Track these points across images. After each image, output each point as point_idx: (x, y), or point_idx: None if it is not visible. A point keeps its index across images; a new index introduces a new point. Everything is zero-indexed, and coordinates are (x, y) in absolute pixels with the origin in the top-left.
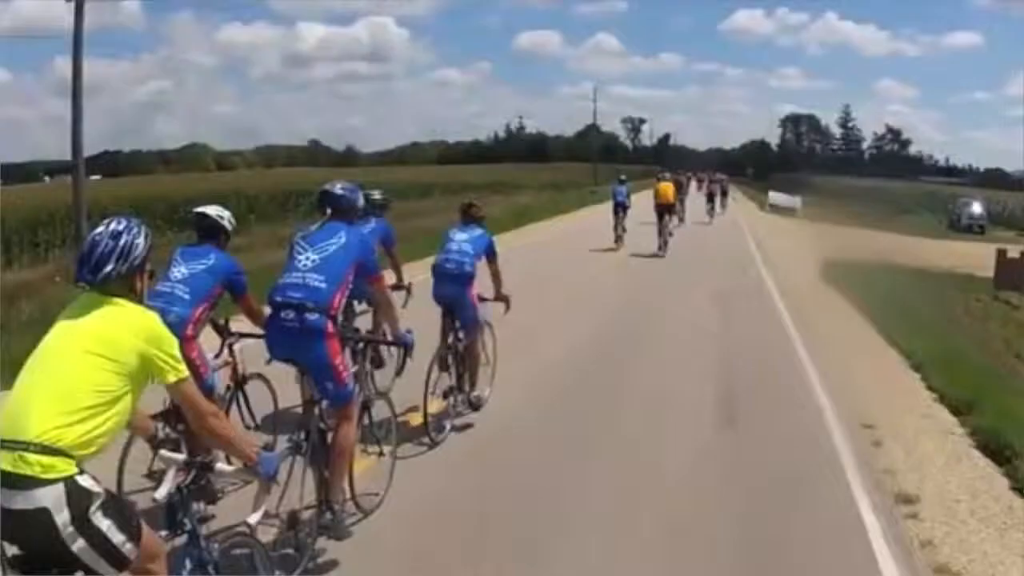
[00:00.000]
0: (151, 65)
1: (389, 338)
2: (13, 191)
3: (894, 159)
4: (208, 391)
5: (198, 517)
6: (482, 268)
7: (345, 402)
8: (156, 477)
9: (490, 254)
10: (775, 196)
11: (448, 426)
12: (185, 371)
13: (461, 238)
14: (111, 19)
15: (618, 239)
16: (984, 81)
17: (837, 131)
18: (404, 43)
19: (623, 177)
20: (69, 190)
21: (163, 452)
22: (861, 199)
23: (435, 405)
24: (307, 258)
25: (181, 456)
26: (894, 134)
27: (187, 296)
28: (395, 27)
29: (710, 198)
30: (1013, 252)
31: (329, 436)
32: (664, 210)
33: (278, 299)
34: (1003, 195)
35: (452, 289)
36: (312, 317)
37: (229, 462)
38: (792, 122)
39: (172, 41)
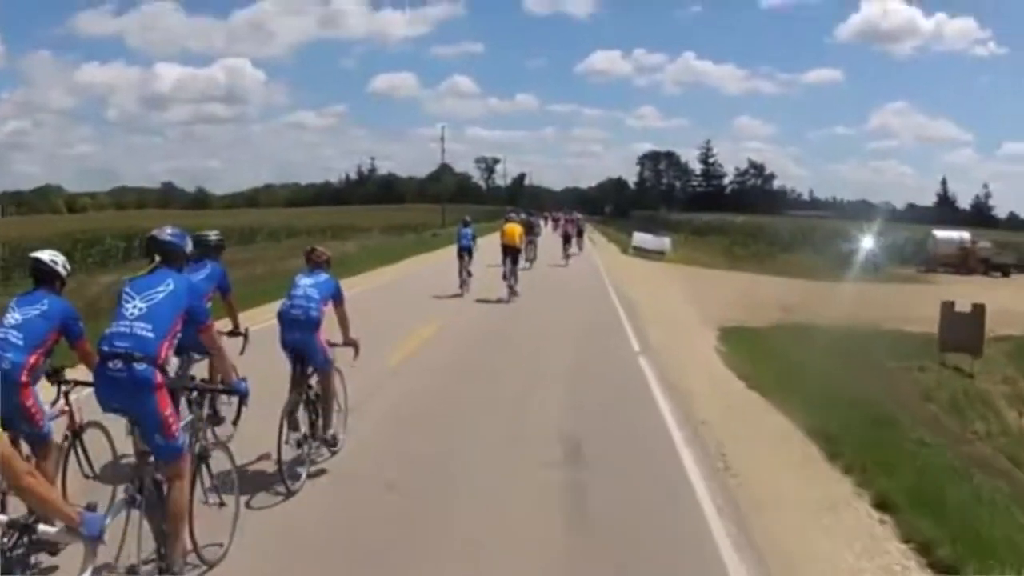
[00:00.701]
0: (9, 105)
1: (222, 387)
2: None
3: (758, 193)
4: (43, 439)
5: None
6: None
7: (175, 457)
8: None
9: (337, 298)
10: (640, 237)
11: (304, 474)
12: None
13: (307, 283)
14: None
15: (463, 284)
16: (844, 116)
17: (698, 167)
18: (260, 85)
19: (467, 219)
20: None
21: None
22: (732, 236)
23: (288, 454)
24: (134, 306)
25: (4, 517)
26: (757, 168)
27: (20, 342)
28: (251, 69)
29: (566, 239)
30: (962, 305)
31: (164, 488)
32: (511, 253)
33: (105, 348)
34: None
35: (300, 335)
36: (140, 367)
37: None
38: (651, 159)
39: (30, 80)
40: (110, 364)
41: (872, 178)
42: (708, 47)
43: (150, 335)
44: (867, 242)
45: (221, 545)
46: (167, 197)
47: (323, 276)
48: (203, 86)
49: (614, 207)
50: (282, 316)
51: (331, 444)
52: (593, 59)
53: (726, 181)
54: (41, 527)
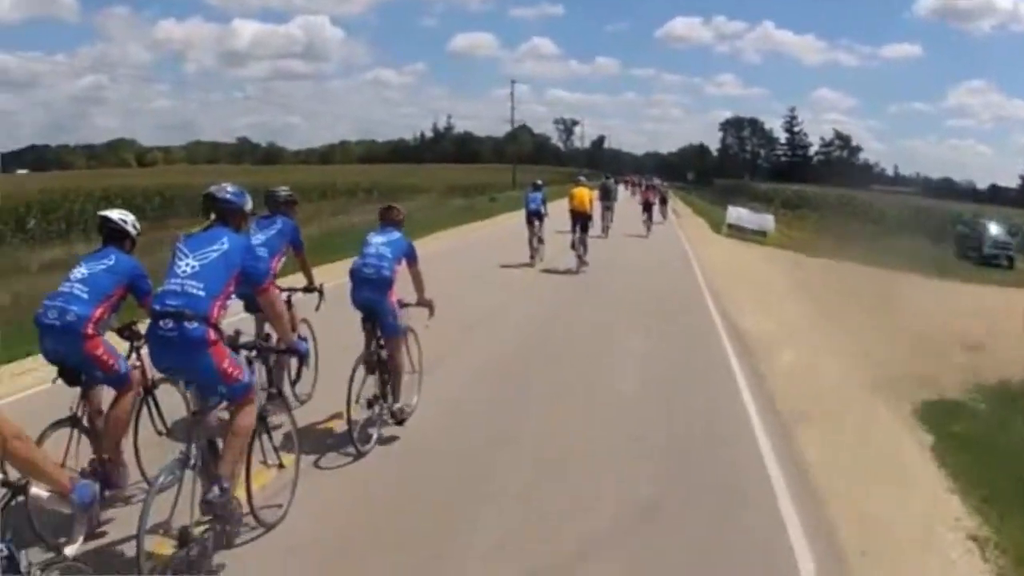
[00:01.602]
0: (86, 59)
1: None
2: None
3: (843, 166)
4: (122, 380)
5: (10, 539)
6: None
7: (244, 393)
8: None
9: (410, 257)
10: (737, 213)
11: (375, 435)
12: None
13: (379, 241)
14: (46, 11)
15: (533, 253)
16: (922, 92)
17: (782, 136)
18: (339, 42)
19: (538, 182)
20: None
21: None
22: (824, 211)
23: (358, 413)
24: (187, 264)
25: None
26: (842, 140)
27: (85, 295)
28: (330, 26)
29: (646, 206)
30: None
31: (219, 444)
32: (581, 220)
33: (156, 307)
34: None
35: (370, 294)
36: (191, 326)
37: None
38: (733, 126)
39: (108, 36)
40: (161, 323)
41: (950, 156)
42: (788, 16)
43: (201, 293)
44: (993, 228)
45: (280, 507)
46: (241, 152)
47: (396, 234)
48: (282, 43)
49: (697, 174)
50: (354, 274)
51: (398, 418)
52: (673, 24)
53: (811, 151)
54: (33, 490)
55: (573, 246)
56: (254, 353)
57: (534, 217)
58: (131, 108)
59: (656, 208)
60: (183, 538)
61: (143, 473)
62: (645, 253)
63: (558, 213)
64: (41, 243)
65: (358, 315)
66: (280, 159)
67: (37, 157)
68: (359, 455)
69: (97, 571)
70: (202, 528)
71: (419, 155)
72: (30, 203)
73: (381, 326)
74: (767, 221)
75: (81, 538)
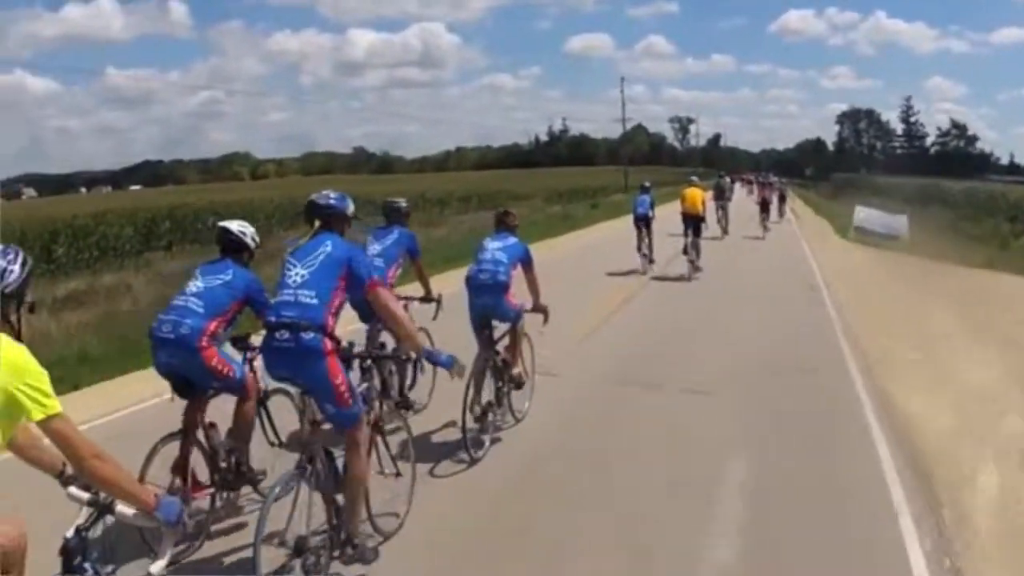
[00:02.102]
0: (200, 75)
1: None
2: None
3: (962, 156)
4: (240, 386)
5: (97, 559)
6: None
7: (350, 424)
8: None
9: (526, 262)
10: (865, 214)
11: (487, 441)
12: (56, 406)
13: (495, 247)
14: (158, 28)
15: (644, 258)
16: None
17: (898, 127)
18: (455, 49)
19: (646, 184)
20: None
21: (71, 490)
22: (954, 207)
23: (472, 421)
24: (296, 273)
25: (86, 495)
26: (959, 129)
27: (200, 309)
28: (446, 33)
29: (763, 206)
30: None
31: (338, 459)
32: (693, 222)
33: (272, 319)
34: None
35: (489, 300)
36: (307, 336)
37: None
38: (850, 118)
39: (222, 50)
40: (277, 335)
41: None
42: (899, 4)
43: (314, 302)
44: None
45: (397, 516)
46: (356, 162)
47: (511, 240)
48: (397, 51)
49: (814, 170)
50: (470, 280)
51: (516, 418)
52: (787, 18)
53: (928, 142)
54: (119, 508)
55: (685, 250)
56: (368, 363)
57: (641, 222)
58: (246, 121)
59: (774, 207)
60: (299, 548)
61: (254, 484)
62: (762, 263)
63: (671, 216)
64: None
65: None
66: (394, 168)
67: (150, 173)
68: (472, 462)
69: None
70: (319, 538)
71: (534, 159)
72: (124, 220)
73: (504, 319)
74: (900, 223)
75: (168, 555)
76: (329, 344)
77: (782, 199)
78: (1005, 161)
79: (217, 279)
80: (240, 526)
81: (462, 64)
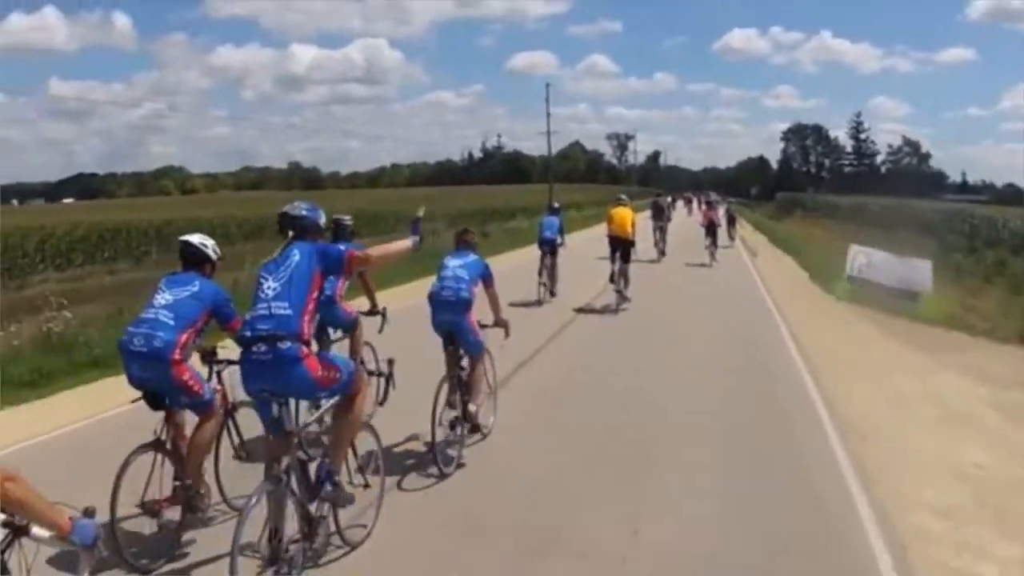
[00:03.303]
0: (144, 86)
1: (370, 367)
2: None
3: (914, 175)
4: (207, 405)
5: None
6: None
7: (347, 388)
8: (147, 507)
9: (487, 279)
10: (865, 259)
11: (456, 457)
12: None
13: (456, 264)
14: (103, 39)
15: (542, 290)
16: (977, 97)
17: (847, 144)
18: (398, 65)
19: (555, 204)
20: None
21: None
22: (943, 235)
23: (439, 434)
24: (269, 287)
25: (1, 516)
26: (912, 147)
27: (171, 322)
28: (388, 49)
29: (710, 229)
30: None
31: (311, 468)
32: (621, 247)
33: (247, 334)
34: None
35: (451, 316)
36: (284, 347)
37: None
38: (796, 135)
39: (164, 63)
40: (254, 348)
41: (1006, 160)
42: (844, 25)
43: (288, 312)
44: None
45: (365, 527)
46: (291, 177)
47: (472, 257)
48: (340, 67)
49: (760, 188)
50: (433, 298)
51: (477, 426)
52: (730, 37)
53: (878, 160)
54: (34, 530)
55: (612, 279)
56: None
57: (545, 246)
58: (187, 136)
59: (722, 230)
60: (273, 556)
61: (223, 496)
62: (711, 275)
63: (599, 238)
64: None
65: (422, 337)
66: (325, 184)
67: (84, 186)
68: (442, 476)
69: None
70: (294, 546)
71: (466, 176)
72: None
73: (464, 345)
74: (921, 273)
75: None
76: (304, 350)
77: (731, 221)
78: (957, 179)
79: (185, 291)
80: (208, 538)
81: (405, 80)
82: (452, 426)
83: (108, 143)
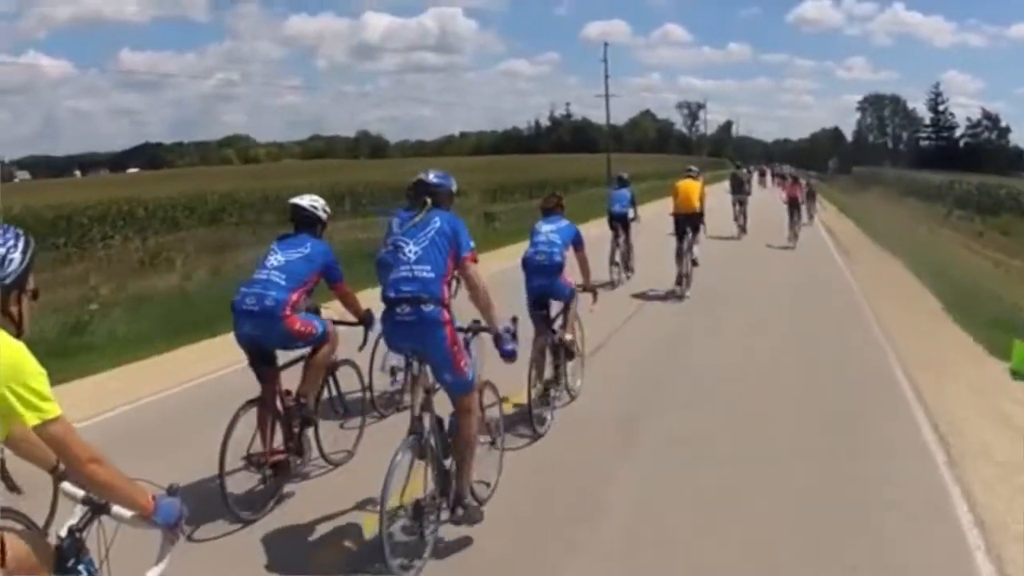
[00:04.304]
0: (215, 57)
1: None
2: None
3: (995, 150)
4: (323, 337)
5: (90, 560)
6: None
7: (465, 391)
8: (254, 460)
9: (578, 243)
10: None
11: (549, 417)
12: (53, 410)
13: (548, 229)
14: (175, 10)
15: (615, 273)
16: None
17: (926, 116)
18: (472, 33)
19: (624, 175)
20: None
21: (65, 486)
22: None
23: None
24: (411, 251)
25: (81, 493)
26: (992, 121)
27: (283, 282)
28: (463, 17)
29: (792, 205)
30: None
31: (446, 425)
32: (686, 223)
33: (392, 295)
34: None
35: (545, 280)
36: (427, 309)
37: None
38: (873, 105)
39: (237, 33)
40: (398, 310)
41: None
42: None
43: (431, 275)
44: None
45: (488, 484)
46: (357, 146)
47: (563, 222)
48: (414, 35)
49: (838, 161)
50: (527, 263)
51: (571, 395)
52: (804, 8)
53: (957, 133)
54: (115, 508)
55: (679, 257)
56: (470, 335)
57: (617, 222)
58: (258, 105)
59: (803, 208)
60: (416, 511)
61: (322, 453)
62: (792, 256)
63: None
64: None
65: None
66: (389, 153)
67: (151, 156)
68: (536, 436)
69: (287, 545)
70: (435, 501)
71: (532, 145)
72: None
73: (560, 297)
74: None
75: (167, 559)
76: (447, 314)
77: (811, 196)
78: None
79: (296, 252)
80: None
81: (479, 49)
82: (546, 388)
83: (178, 113)
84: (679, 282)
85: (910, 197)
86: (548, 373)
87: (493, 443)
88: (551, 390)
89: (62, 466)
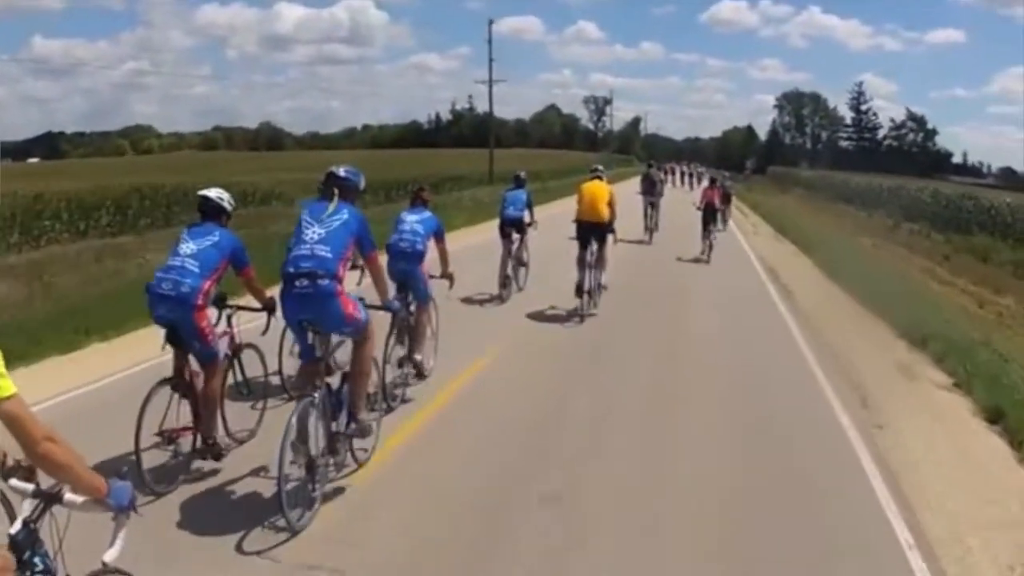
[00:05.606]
0: (128, 45)
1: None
2: None
3: (919, 152)
4: (213, 357)
5: (45, 552)
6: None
7: (361, 332)
8: (164, 435)
9: (439, 234)
10: None
11: (400, 396)
12: (9, 387)
13: (412, 219)
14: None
15: (504, 284)
16: (965, 78)
17: (847, 115)
18: (383, 26)
19: (521, 174)
20: None
21: (13, 482)
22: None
23: (389, 374)
24: (314, 232)
25: (30, 487)
26: (916, 122)
27: (196, 269)
28: (374, 10)
29: (707, 212)
30: None
31: (337, 392)
32: (590, 233)
33: (291, 270)
34: None
35: (406, 266)
36: (323, 283)
37: None
38: (791, 102)
39: (148, 21)
40: (296, 283)
41: (993, 142)
42: (834, 1)
43: (329, 255)
44: None
45: (366, 450)
46: (257, 138)
47: (427, 213)
48: (326, 27)
49: (756, 161)
50: (390, 248)
51: (421, 373)
52: (719, 8)
53: (880, 134)
54: (67, 496)
55: (580, 266)
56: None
57: (511, 227)
58: (169, 95)
59: (719, 215)
60: (309, 466)
61: (227, 430)
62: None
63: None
64: None
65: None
66: (286, 145)
67: (52, 146)
68: (389, 410)
69: (206, 511)
70: (324, 459)
71: (431, 140)
72: None
73: (414, 293)
74: None
75: (122, 541)
76: (339, 287)
77: (726, 200)
78: (957, 160)
79: (206, 240)
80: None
81: (390, 42)
82: (400, 364)
83: (89, 102)
84: (579, 294)
85: (841, 203)
86: (403, 351)
87: (373, 409)
88: (404, 367)
89: (8, 461)
